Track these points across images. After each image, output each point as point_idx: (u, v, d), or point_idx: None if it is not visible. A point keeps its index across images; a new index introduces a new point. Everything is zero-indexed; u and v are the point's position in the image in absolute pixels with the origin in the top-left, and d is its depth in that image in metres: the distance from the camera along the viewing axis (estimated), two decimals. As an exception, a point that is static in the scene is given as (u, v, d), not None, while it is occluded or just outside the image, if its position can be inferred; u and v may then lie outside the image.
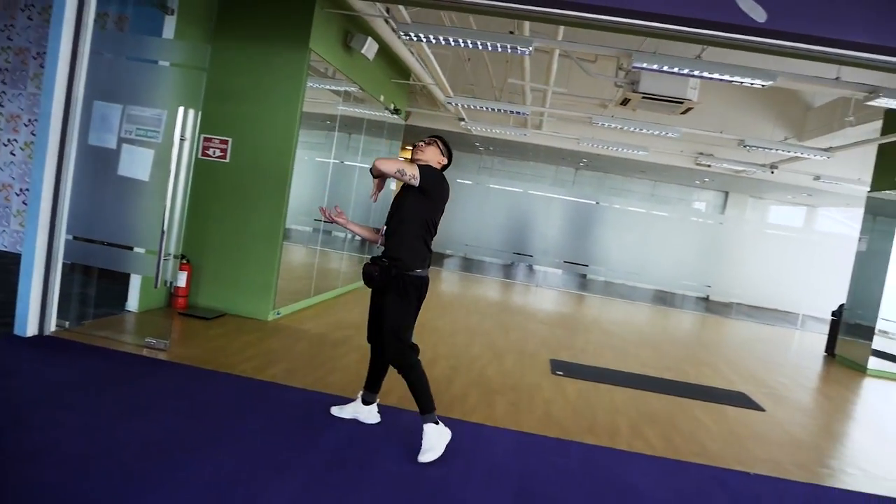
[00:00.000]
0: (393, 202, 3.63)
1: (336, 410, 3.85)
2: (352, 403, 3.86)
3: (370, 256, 3.60)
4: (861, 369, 8.11)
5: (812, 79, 6.13)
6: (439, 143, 3.71)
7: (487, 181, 14.45)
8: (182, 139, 4.48)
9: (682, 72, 6.00)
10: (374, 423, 3.79)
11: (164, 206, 4.45)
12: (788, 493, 3.75)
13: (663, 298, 14.20)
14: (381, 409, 3.89)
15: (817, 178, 11.38)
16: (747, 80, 5.85)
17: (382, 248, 3.59)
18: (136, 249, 5.03)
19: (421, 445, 3.38)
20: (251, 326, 5.83)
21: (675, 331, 10.35)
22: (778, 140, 10.66)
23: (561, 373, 5.80)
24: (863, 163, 10.27)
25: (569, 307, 11.12)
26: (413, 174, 3.39)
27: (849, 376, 7.83)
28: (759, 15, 3.89)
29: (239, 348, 5.08)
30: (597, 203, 13.97)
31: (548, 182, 17.48)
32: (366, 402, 3.82)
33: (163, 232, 4.47)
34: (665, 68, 5.94)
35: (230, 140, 6.06)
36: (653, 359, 7.19)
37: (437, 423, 3.43)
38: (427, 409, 3.43)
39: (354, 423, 3.77)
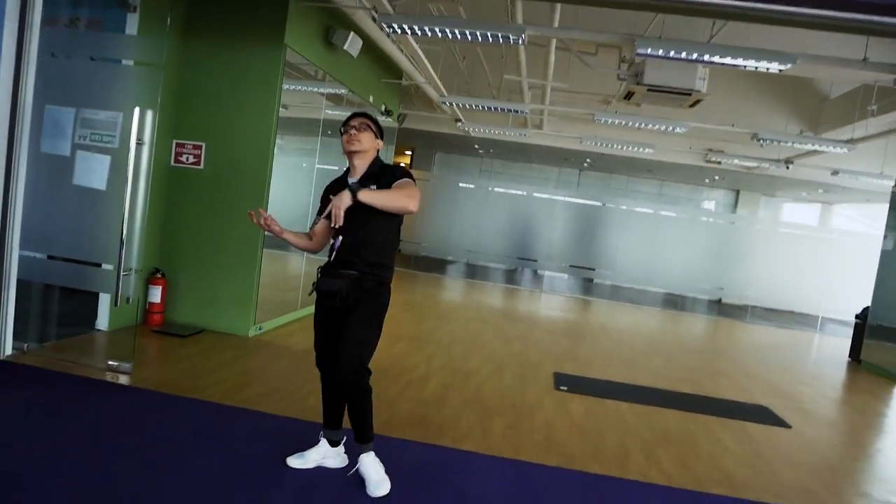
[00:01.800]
0: (332, 193, 3.05)
1: (296, 462, 3.16)
2: (314, 449, 3.21)
3: (320, 267, 3.03)
4: (890, 377, 7.59)
5: (836, 60, 5.63)
6: (371, 123, 3.07)
7: (489, 184, 14.05)
8: (139, 143, 4.07)
9: (690, 57, 5.54)
10: (341, 466, 3.21)
11: (123, 217, 4.04)
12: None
13: (674, 302, 13.69)
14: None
15: (835, 172, 10.84)
16: (763, 64, 5.40)
17: (334, 252, 3.00)
18: (104, 265, 4.64)
19: (365, 479, 2.98)
20: (229, 343, 5.40)
21: (687, 337, 9.86)
22: (793, 133, 10.17)
23: (565, 388, 5.34)
24: (885, 155, 9.78)
25: (575, 313, 10.65)
26: (417, 201, 2.89)
27: (877, 384, 7.31)
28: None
29: (211, 368, 4.66)
30: (603, 204, 13.52)
31: (551, 184, 17.03)
32: (332, 442, 3.23)
33: (121, 244, 4.07)
34: (672, 54, 5.49)
35: (204, 145, 5.65)
36: (665, 369, 6.72)
37: (372, 449, 3.05)
38: (370, 438, 3.03)
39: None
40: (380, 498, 2.92)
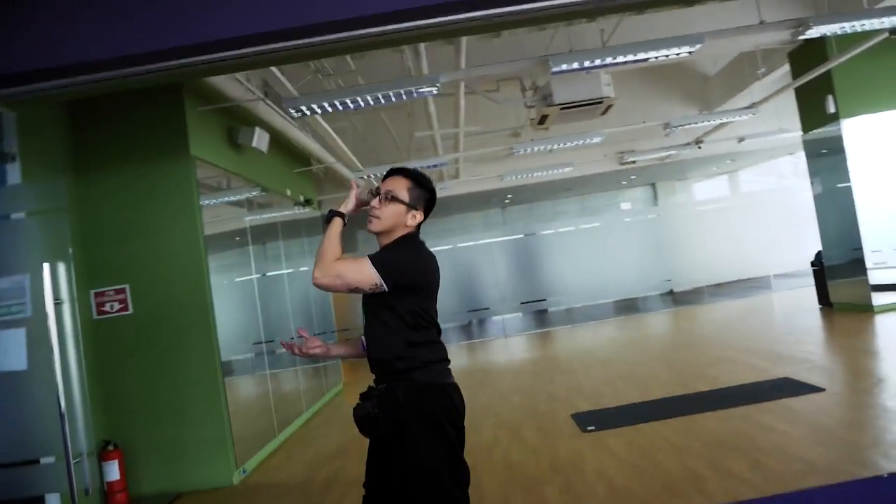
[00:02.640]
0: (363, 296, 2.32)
1: None
2: None
3: (360, 394, 2.27)
4: (867, 309, 7.64)
5: (737, 30, 5.67)
6: (401, 187, 2.25)
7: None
8: (57, 302, 3.45)
9: (604, 62, 5.42)
10: None
11: (58, 395, 3.37)
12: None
13: (630, 306, 13.60)
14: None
15: (741, 139, 11.20)
16: (674, 51, 5.34)
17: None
18: (44, 460, 3.89)
19: None
20: (217, 500, 4.67)
21: (665, 335, 9.67)
22: (696, 114, 10.42)
23: (592, 428, 4.90)
24: (778, 111, 10.12)
25: (547, 348, 10.28)
26: (373, 282, 2.13)
27: (861, 320, 7.32)
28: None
29: (208, 537, 3.95)
30: (533, 234, 13.45)
31: (478, 229, 16.90)
32: None
33: (64, 428, 3.38)
34: (586, 63, 5.35)
35: (127, 287, 5.00)
36: (669, 374, 6.42)
37: None
38: None
39: None
40: None
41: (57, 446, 3.41)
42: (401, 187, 2.26)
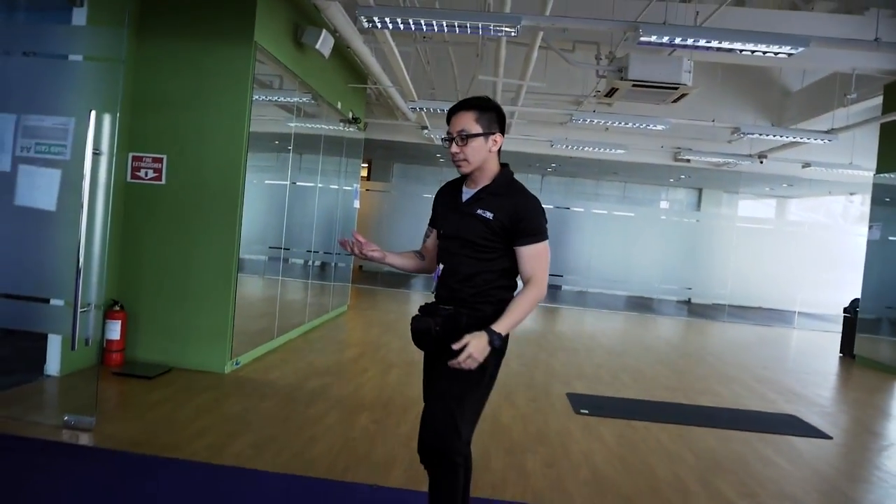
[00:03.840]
0: (441, 216, 2.38)
1: None
2: None
3: (420, 306, 2.35)
4: (888, 371, 7.39)
5: (848, 42, 5.32)
6: (468, 121, 2.22)
7: (450, 195, 13.48)
8: (96, 153, 3.39)
9: (697, 43, 5.14)
10: None
11: (79, 243, 3.34)
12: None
13: (644, 305, 13.46)
14: (376, 490, 2.86)
15: (807, 165, 10.76)
16: (773, 49, 5.04)
17: (435, 283, 2.35)
18: (53, 301, 3.91)
19: None
20: (205, 383, 4.70)
21: (677, 341, 9.54)
22: (767, 126, 10.01)
23: (586, 411, 4.84)
24: (853, 145, 9.72)
25: (554, 324, 10.21)
26: (548, 251, 2.25)
27: (881, 379, 7.10)
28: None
29: (190, 416, 3.97)
30: (567, 209, 13.21)
31: (514, 191, 16.68)
32: None
33: (78, 275, 3.36)
34: (678, 39, 5.07)
35: (165, 158, 4.95)
36: (674, 379, 6.31)
37: None
38: None
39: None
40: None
41: (68, 292, 3.42)
42: (468, 121, 2.24)
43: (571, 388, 5.58)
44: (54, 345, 4.52)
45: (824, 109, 9.28)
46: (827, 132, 8.39)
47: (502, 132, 2.28)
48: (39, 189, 3.48)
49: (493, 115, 2.26)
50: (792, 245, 12.39)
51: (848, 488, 3.69)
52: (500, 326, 2.10)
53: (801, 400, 5.80)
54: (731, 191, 16.11)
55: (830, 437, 4.67)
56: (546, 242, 2.24)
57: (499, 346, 2.10)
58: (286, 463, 3.36)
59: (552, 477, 3.49)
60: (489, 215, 2.21)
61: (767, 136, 8.64)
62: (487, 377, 2.23)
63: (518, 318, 2.16)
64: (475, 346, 2.04)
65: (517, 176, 2.34)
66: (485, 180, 2.28)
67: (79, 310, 3.36)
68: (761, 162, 11.14)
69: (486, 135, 2.23)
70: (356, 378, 5.24)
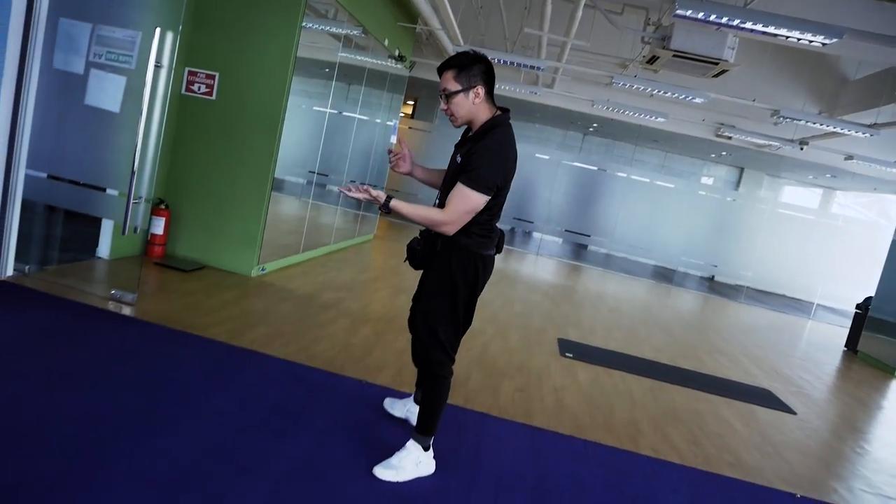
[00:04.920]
0: (449, 164, 2.70)
1: (388, 404, 3.25)
2: (404, 400, 3.25)
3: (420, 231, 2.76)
4: (888, 370, 7.60)
5: (886, 38, 5.38)
6: (453, 79, 2.48)
7: (492, 141, 13.64)
8: (158, 66, 3.84)
9: (731, 22, 5.30)
10: None
11: (136, 143, 3.84)
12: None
13: (666, 276, 13.68)
14: (365, 386, 3.36)
15: (849, 157, 10.69)
16: (808, 37, 5.19)
17: None
18: (109, 191, 4.44)
19: (389, 459, 2.66)
20: (232, 282, 5.27)
21: (684, 312, 9.85)
22: (813, 113, 9.96)
23: (570, 355, 5.28)
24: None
25: (570, 279, 10.59)
26: (484, 200, 2.46)
27: (875, 376, 7.32)
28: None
29: (216, 306, 4.53)
30: (604, 171, 13.32)
31: (553, 146, 16.76)
32: (416, 400, 3.17)
33: (133, 172, 3.87)
34: (713, 17, 5.26)
35: (217, 75, 5.40)
36: (666, 343, 6.69)
37: (427, 449, 2.72)
38: (426, 431, 2.69)
39: (341, 412, 3.23)
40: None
41: (122, 184, 3.95)
42: (448, 80, 2.52)
43: (564, 334, 6.01)
44: (106, 231, 5.10)
45: (877, 104, 9.22)
46: (870, 126, 8.37)
47: (486, 82, 2.51)
48: (106, 92, 3.96)
49: (473, 69, 2.48)
50: (824, 237, 12.37)
51: (790, 455, 4.04)
52: (395, 202, 2.47)
53: (782, 379, 6.12)
54: (773, 174, 15.96)
55: (795, 413, 5.01)
56: (475, 192, 2.42)
57: (381, 209, 2.48)
58: (292, 353, 3.89)
59: (519, 400, 3.97)
60: (459, 159, 2.56)
61: (807, 122, 8.63)
62: (462, 295, 2.59)
63: (408, 212, 2.48)
64: (371, 191, 2.44)
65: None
66: (476, 128, 2.59)
67: (131, 201, 3.88)
68: (801, 148, 11.10)
69: (465, 90, 2.49)
70: (368, 296, 5.76)
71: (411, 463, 2.65)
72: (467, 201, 2.44)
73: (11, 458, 2.22)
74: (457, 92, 2.51)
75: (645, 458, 3.46)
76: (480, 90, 2.51)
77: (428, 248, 2.64)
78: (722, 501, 3.18)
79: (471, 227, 2.54)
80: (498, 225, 2.70)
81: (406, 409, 3.19)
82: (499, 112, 2.59)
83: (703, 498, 3.16)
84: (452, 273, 2.58)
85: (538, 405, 3.95)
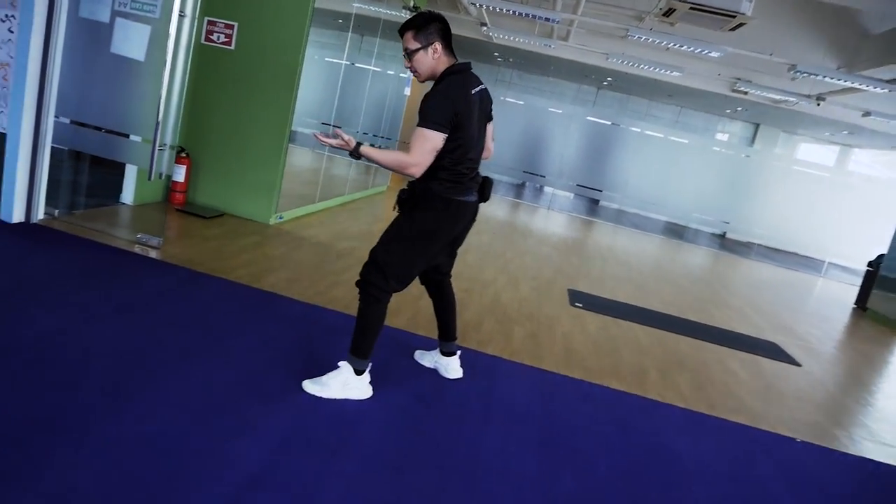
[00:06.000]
0: None
1: (418, 356, 3.39)
2: (433, 352, 3.36)
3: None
4: (894, 327, 7.70)
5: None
6: (412, 38, 2.68)
7: (504, 94, 13.61)
8: (181, 15, 3.90)
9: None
10: (455, 377, 3.25)
11: (161, 92, 3.92)
12: (840, 466, 3.40)
13: (677, 232, 13.75)
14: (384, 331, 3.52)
15: (867, 114, 10.58)
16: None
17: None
18: (132, 137, 4.55)
19: (320, 375, 2.80)
20: (251, 229, 5.41)
21: (694, 267, 9.96)
22: (832, 68, 9.82)
23: (580, 305, 5.42)
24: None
25: (581, 233, 10.69)
26: (441, 137, 2.59)
27: (882, 333, 7.40)
28: None
29: (237, 251, 4.68)
30: (618, 125, 13.23)
31: (567, 100, 16.66)
32: (445, 353, 3.28)
33: (158, 120, 3.97)
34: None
35: (236, 25, 5.44)
36: (674, 296, 6.81)
37: (360, 374, 2.80)
38: (356, 352, 2.78)
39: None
40: (409, 392, 3.00)
41: (146, 131, 4.05)
42: (408, 40, 2.70)
43: (575, 286, 6.15)
44: (130, 177, 5.24)
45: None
46: (889, 81, 8.26)
47: (443, 38, 2.68)
48: (131, 41, 4.03)
49: (429, 28, 2.67)
50: (839, 195, 12.30)
51: (793, 402, 4.18)
52: (365, 147, 2.60)
53: (789, 333, 6.25)
54: (789, 131, 15.82)
55: (800, 365, 5.14)
56: (428, 129, 2.56)
57: (350, 155, 2.62)
58: (310, 297, 4.04)
59: (530, 345, 4.12)
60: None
61: (824, 77, 8.54)
62: (415, 232, 2.76)
63: (375, 156, 2.64)
64: (343, 138, 2.58)
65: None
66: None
67: (156, 147, 3.99)
68: (818, 104, 10.99)
69: (424, 47, 2.67)
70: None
71: (338, 383, 2.77)
72: (424, 140, 2.58)
73: (50, 389, 2.38)
74: (417, 49, 2.69)
75: (651, 402, 3.62)
76: (438, 46, 2.69)
77: (409, 195, 2.79)
78: (724, 443, 3.33)
79: (437, 171, 2.69)
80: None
81: (434, 361, 3.34)
82: (457, 64, 2.75)
83: (706, 439, 3.32)
84: (416, 213, 2.76)
85: (548, 350, 4.10)
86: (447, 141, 2.63)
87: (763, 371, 4.75)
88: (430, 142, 2.59)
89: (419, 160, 2.60)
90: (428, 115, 2.59)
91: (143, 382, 2.55)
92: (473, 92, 2.72)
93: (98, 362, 2.64)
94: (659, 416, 3.46)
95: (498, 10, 9.24)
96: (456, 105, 2.63)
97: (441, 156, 2.66)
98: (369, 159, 2.64)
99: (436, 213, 2.76)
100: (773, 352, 5.38)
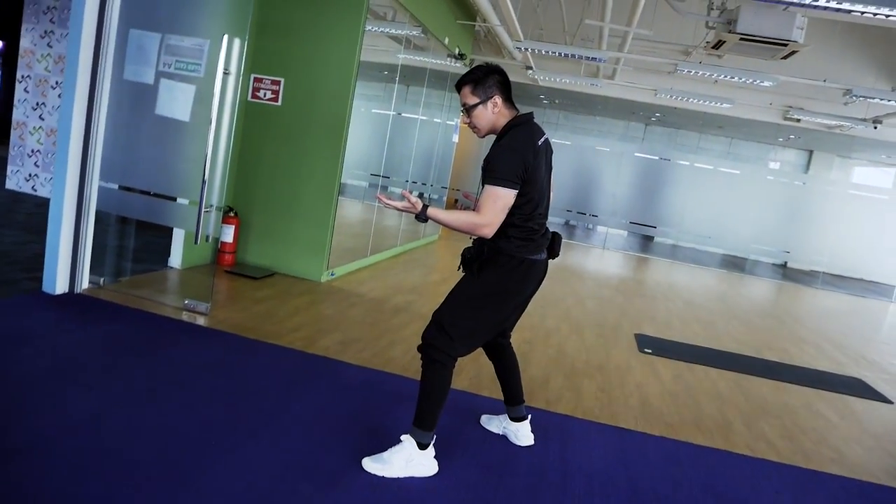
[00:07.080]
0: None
1: (485, 421, 3.14)
2: (500, 417, 3.10)
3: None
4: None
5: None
6: (469, 94, 2.54)
7: (551, 135, 13.41)
8: (226, 73, 3.86)
9: (800, 1, 5.02)
10: (527, 444, 2.98)
11: (206, 151, 3.86)
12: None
13: (737, 264, 13.20)
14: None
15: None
16: (883, 11, 4.86)
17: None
18: (179, 200, 4.50)
19: (381, 453, 2.56)
20: (302, 288, 5.28)
21: (760, 300, 9.45)
22: (887, 90, 9.41)
23: (650, 350, 5.08)
24: None
25: (639, 272, 10.30)
26: (513, 194, 2.43)
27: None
28: None
29: (288, 313, 4.53)
30: (668, 160, 12.90)
31: (615, 138, 16.39)
32: (514, 418, 3.03)
33: (204, 181, 3.90)
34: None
35: (282, 81, 5.43)
36: (746, 334, 6.39)
37: (424, 448, 2.55)
38: (421, 425, 2.54)
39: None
40: (479, 462, 2.73)
41: (193, 193, 3.97)
42: (466, 95, 2.57)
43: (641, 329, 5.81)
44: (177, 241, 5.19)
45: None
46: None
47: (502, 91, 2.54)
48: (176, 101, 4.00)
49: (488, 81, 2.53)
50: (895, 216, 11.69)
51: (892, 446, 3.79)
52: (432, 210, 2.42)
53: (872, 367, 5.78)
54: (844, 155, 15.20)
55: (891, 402, 4.70)
56: (499, 187, 2.40)
57: (417, 218, 2.44)
58: (367, 359, 3.84)
59: (603, 400, 3.82)
60: (483, 165, 2.53)
61: (882, 100, 8.15)
62: (484, 293, 2.55)
63: (443, 219, 2.43)
64: (411, 200, 2.42)
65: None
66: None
67: (203, 209, 3.91)
68: (875, 127, 10.51)
69: (483, 102, 2.53)
70: (438, 299, 5.61)
71: (402, 459, 2.52)
72: (496, 198, 2.42)
73: (92, 475, 2.21)
74: (476, 105, 2.56)
75: (741, 458, 3.27)
76: (498, 99, 2.55)
77: (477, 255, 2.59)
78: (830, 502, 2.96)
79: (507, 229, 2.50)
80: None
81: (503, 427, 3.07)
82: (519, 116, 2.60)
83: (809, 498, 2.95)
84: (487, 274, 2.56)
85: (622, 405, 3.79)
86: (517, 196, 2.46)
87: (854, 412, 4.34)
88: (502, 200, 2.42)
89: (491, 220, 2.42)
90: (497, 171, 2.43)
91: (191, 468, 2.36)
92: (539, 143, 2.55)
93: (143, 447, 2.46)
94: (753, 474, 3.11)
95: (543, 53, 9.14)
96: (525, 159, 2.45)
97: (511, 212, 2.48)
98: (437, 222, 2.46)
99: (506, 274, 2.56)
100: (859, 389, 4.95)
